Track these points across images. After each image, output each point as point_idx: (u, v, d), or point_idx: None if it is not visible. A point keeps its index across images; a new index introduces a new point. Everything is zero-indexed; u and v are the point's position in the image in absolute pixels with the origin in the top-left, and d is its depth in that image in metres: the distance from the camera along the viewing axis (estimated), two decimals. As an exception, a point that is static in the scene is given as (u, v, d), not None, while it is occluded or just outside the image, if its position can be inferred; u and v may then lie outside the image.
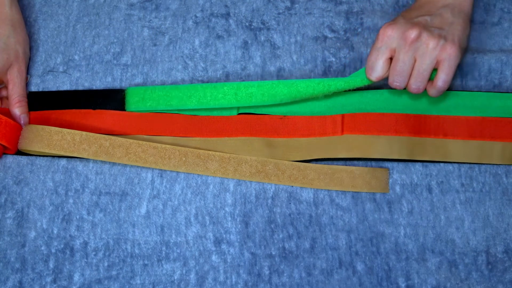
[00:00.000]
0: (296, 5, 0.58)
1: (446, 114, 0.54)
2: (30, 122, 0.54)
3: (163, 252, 0.51)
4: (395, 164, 0.53)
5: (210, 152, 0.52)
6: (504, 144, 0.53)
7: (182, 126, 0.54)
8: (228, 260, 0.51)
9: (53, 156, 0.53)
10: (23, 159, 0.53)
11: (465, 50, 0.51)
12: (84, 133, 0.51)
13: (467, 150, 0.53)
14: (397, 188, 0.53)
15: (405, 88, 0.49)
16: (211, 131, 0.54)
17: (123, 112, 0.54)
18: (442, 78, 0.46)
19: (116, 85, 0.56)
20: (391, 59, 0.48)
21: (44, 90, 0.56)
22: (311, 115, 0.54)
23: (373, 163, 0.54)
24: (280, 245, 0.51)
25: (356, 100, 0.54)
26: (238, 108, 0.54)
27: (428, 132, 0.53)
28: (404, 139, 0.53)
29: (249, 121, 0.54)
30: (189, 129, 0.54)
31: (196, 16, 0.58)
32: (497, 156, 0.53)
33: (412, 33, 0.45)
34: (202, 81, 0.56)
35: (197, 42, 0.57)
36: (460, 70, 0.56)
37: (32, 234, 0.51)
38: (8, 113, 0.53)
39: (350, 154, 0.53)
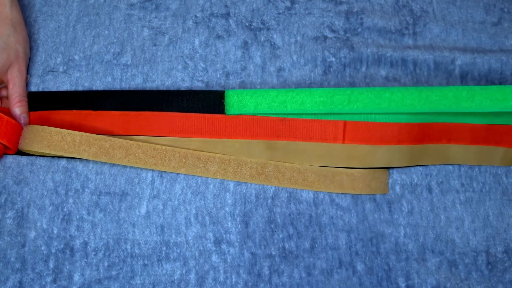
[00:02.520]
0: (296, 5, 0.58)
1: (451, 122, 0.53)
2: (30, 122, 0.54)
3: (163, 252, 0.51)
4: (395, 164, 0.53)
5: (210, 154, 0.52)
6: (507, 150, 0.53)
7: (181, 126, 0.54)
8: (228, 260, 0.51)
9: (53, 156, 0.53)
10: (23, 159, 0.53)
11: None
12: (84, 134, 0.51)
13: (468, 153, 0.53)
14: (397, 188, 0.53)
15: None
16: (210, 132, 0.54)
17: (123, 112, 0.54)
18: None
19: (116, 85, 0.56)
20: None
21: (44, 90, 0.56)
22: (311, 113, 0.53)
23: (373, 163, 0.54)
24: (280, 245, 0.51)
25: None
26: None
27: (431, 139, 0.53)
28: (405, 148, 0.52)
29: (249, 122, 0.54)
30: (187, 129, 0.54)
31: (196, 16, 0.58)
32: (498, 159, 0.53)
33: None
34: (202, 81, 0.56)
35: (197, 42, 0.57)
36: (460, 70, 0.56)
37: (32, 234, 0.51)
38: (9, 113, 0.53)
39: (350, 163, 0.52)
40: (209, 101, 0.54)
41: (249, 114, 0.53)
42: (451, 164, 0.53)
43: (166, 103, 0.54)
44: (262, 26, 0.58)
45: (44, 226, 0.51)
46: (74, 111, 0.54)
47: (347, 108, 0.51)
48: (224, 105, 0.53)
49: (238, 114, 0.53)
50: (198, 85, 0.56)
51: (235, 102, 0.53)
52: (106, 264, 0.50)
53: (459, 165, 0.53)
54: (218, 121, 0.54)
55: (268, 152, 0.53)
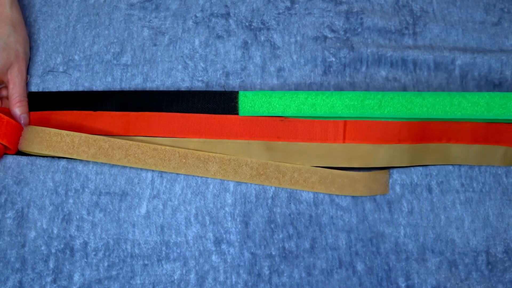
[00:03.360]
0: (296, 5, 0.58)
1: (451, 120, 0.53)
2: (31, 122, 0.54)
3: (163, 252, 0.51)
4: (395, 164, 0.53)
5: (211, 154, 0.52)
6: (507, 149, 0.53)
7: (181, 126, 0.54)
8: (228, 260, 0.51)
9: (53, 156, 0.53)
10: (23, 159, 0.53)
11: None
12: (83, 135, 0.51)
13: (469, 153, 0.53)
14: (397, 188, 0.53)
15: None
16: (210, 132, 0.54)
17: (123, 113, 0.54)
18: None
19: (116, 85, 0.56)
20: None
21: (44, 90, 0.56)
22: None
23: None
24: (280, 245, 0.51)
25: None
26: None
27: (432, 138, 0.53)
28: (406, 147, 0.52)
29: (249, 123, 0.54)
30: (187, 129, 0.54)
31: (196, 16, 0.58)
32: (499, 159, 0.53)
33: None
34: (202, 81, 0.56)
35: (197, 42, 0.57)
36: (460, 70, 0.56)
37: (32, 234, 0.51)
38: (9, 113, 0.53)
39: (351, 163, 0.52)
40: (218, 103, 0.53)
41: (270, 115, 0.53)
42: (451, 164, 0.53)
43: (166, 103, 0.54)
44: (262, 26, 0.58)
45: (44, 226, 0.51)
46: (74, 112, 0.54)
47: (377, 112, 0.51)
48: (237, 106, 0.53)
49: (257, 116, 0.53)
50: (198, 85, 0.56)
51: (257, 103, 0.52)
52: (106, 264, 0.50)
53: (459, 165, 0.53)
54: (217, 122, 0.54)
55: (268, 153, 0.53)
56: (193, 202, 0.52)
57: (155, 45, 0.57)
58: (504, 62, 0.56)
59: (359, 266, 0.51)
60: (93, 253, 0.51)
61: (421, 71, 0.56)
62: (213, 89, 0.55)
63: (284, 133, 0.53)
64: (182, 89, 0.55)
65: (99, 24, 0.58)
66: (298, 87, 0.55)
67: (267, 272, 0.50)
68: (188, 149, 0.53)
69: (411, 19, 0.58)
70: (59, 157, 0.53)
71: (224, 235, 0.51)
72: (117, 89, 0.55)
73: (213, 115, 0.54)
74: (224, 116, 0.54)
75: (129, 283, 0.50)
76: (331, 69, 0.56)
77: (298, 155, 0.53)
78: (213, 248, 0.51)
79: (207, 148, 0.53)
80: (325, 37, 0.57)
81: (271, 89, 0.55)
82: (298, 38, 0.57)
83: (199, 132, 0.54)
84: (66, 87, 0.56)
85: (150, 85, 0.56)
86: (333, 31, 0.58)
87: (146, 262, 0.50)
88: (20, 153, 0.53)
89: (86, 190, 0.52)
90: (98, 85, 0.56)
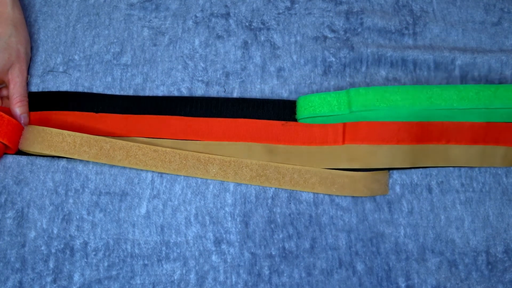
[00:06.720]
0: (296, 5, 0.58)
1: (450, 120, 0.53)
2: (31, 122, 0.54)
3: (163, 252, 0.51)
4: (395, 164, 0.53)
5: (211, 156, 0.52)
6: (507, 149, 0.53)
7: (182, 128, 0.54)
8: (228, 260, 0.51)
9: (53, 156, 0.53)
10: (23, 159, 0.53)
11: None
12: (84, 135, 0.51)
13: (469, 155, 0.53)
14: (397, 188, 0.53)
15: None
16: (211, 135, 0.54)
17: (124, 115, 0.54)
18: None
19: (116, 85, 0.56)
20: None
21: (44, 90, 0.56)
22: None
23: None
24: (280, 245, 0.51)
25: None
26: None
27: (431, 139, 0.53)
28: (406, 147, 0.52)
29: (250, 126, 0.54)
30: (188, 131, 0.54)
31: (196, 16, 0.58)
32: (499, 160, 0.53)
33: None
34: (202, 81, 0.56)
35: (197, 42, 0.57)
36: (460, 70, 0.56)
37: (32, 234, 0.51)
38: (9, 112, 0.53)
39: (351, 164, 0.52)
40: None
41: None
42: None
43: (169, 108, 0.54)
44: (262, 26, 0.58)
45: (44, 226, 0.51)
46: (75, 112, 0.55)
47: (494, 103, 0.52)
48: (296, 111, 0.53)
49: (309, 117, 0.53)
50: (198, 85, 0.56)
51: (399, 97, 0.52)
52: (106, 264, 0.50)
53: (459, 165, 0.53)
54: (217, 124, 0.54)
55: (268, 156, 0.53)
56: (193, 202, 0.52)
57: (155, 45, 0.57)
58: (504, 62, 0.56)
59: (359, 266, 0.51)
60: (93, 253, 0.51)
61: (421, 71, 0.56)
62: (214, 89, 0.55)
63: (285, 137, 0.53)
64: (182, 89, 0.55)
65: (99, 24, 0.58)
66: (298, 87, 0.55)
67: (267, 272, 0.50)
68: (188, 150, 0.53)
69: (411, 19, 0.58)
70: (59, 157, 0.53)
71: (224, 235, 0.51)
72: (117, 89, 0.56)
73: (214, 118, 0.54)
74: (226, 119, 0.54)
75: (129, 283, 0.50)
76: (331, 69, 0.56)
77: (299, 157, 0.53)
78: (213, 248, 0.51)
79: (208, 150, 0.53)
80: (325, 37, 0.57)
81: (271, 89, 0.56)
82: (298, 38, 0.57)
83: (200, 135, 0.54)
84: (66, 87, 0.56)
85: (150, 85, 0.56)
86: (333, 31, 0.58)
87: (146, 262, 0.50)
88: (20, 152, 0.53)
89: (86, 190, 0.52)
90: (98, 85, 0.56)
